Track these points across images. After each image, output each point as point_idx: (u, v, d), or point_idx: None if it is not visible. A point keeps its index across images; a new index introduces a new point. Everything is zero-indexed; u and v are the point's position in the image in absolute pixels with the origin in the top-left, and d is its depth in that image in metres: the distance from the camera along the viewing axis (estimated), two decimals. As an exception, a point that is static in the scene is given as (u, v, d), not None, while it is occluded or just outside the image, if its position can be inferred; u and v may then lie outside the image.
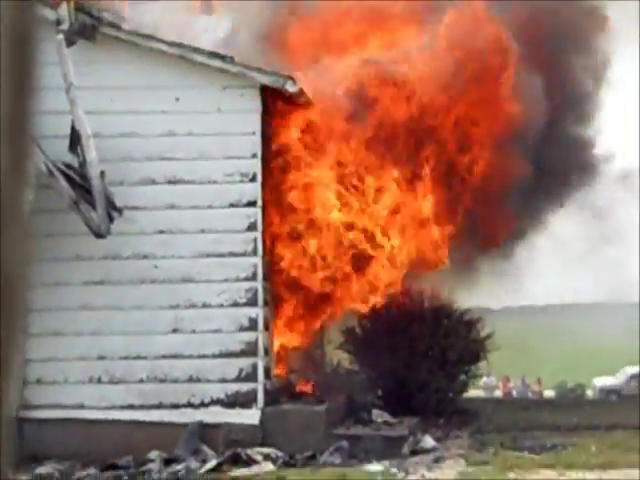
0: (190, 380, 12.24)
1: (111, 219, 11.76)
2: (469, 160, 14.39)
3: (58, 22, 11.55)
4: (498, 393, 33.45)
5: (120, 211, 11.96)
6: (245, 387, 12.18)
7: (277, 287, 13.19)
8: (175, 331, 12.32)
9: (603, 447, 11.96)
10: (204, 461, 11.46)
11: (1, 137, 1.17)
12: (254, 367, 12.21)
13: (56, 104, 11.06)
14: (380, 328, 15.35)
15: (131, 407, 12.21)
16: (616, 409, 17.48)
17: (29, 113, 1.25)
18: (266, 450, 11.64)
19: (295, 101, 12.62)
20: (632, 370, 43.39)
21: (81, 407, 12.24)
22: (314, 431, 11.83)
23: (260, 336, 12.30)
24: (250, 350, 12.23)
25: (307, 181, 12.91)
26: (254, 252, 12.37)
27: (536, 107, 14.48)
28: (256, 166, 12.45)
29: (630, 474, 10.23)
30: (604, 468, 10.57)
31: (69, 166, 11.79)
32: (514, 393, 34.17)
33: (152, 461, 11.51)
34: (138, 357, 12.29)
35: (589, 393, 36.88)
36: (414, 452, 11.89)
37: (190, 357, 12.26)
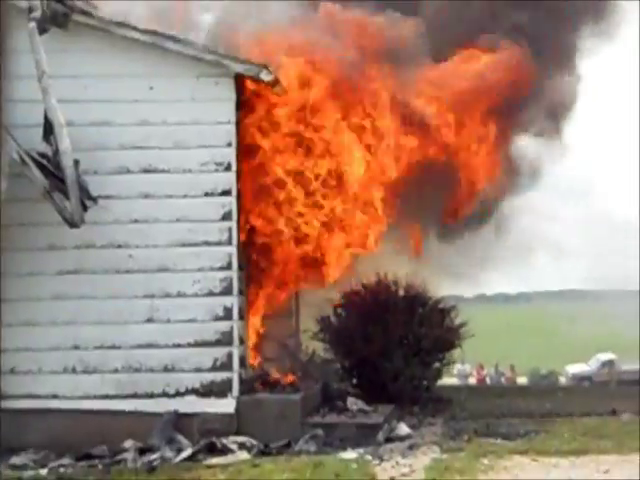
0: (165, 370, 12.24)
1: (85, 208, 11.71)
2: None
3: (30, 10, 11.46)
4: (472, 381, 33.73)
5: (95, 200, 11.92)
6: (220, 376, 12.19)
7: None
8: (150, 320, 12.31)
9: (575, 433, 12.10)
10: (179, 450, 11.48)
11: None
12: (229, 356, 12.23)
13: (28, 92, 11.02)
14: (355, 317, 15.40)
15: (106, 397, 12.20)
16: (588, 396, 17.67)
17: (1, 102, 1.25)
18: (241, 439, 11.67)
19: (270, 90, 12.61)
20: (604, 357, 43.82)
21: (55, 397, 12.21)
22: (289, 420, 11.87)
23: (235, 325, 12.32)
24: (225, 339, 12.24)
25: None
26: (229, 241, 12.37)
27: None
28: (231, 155, 12.43)
29: (602, 460, 10.36)
30: (576, 454, 10.69)
31: (42, 155, 11.71)
32: (488, 380, 34.48)
33: (127, 450, 11.51)
34: (113, 347, 12.27)
35: (562, 380, 37.23)
36: (389, 439, 11.97)
37: (165, 346, 12.26)
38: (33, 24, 11.40)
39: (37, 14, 11.46)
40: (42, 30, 11.49)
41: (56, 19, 11.67)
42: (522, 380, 34.90)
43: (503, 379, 34.67)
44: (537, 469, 10.11)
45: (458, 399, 16.12)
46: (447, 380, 19.28)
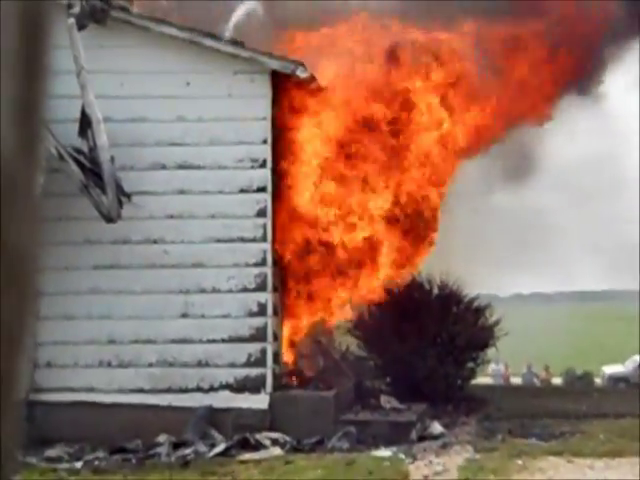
0: (199, 365, 12.28)
1: (120, 204, 11.78)
2: None
3: (69, 6, 11.54)
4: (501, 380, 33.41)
5: (129, 196, 11.98)
6: (254, 372, 12.21)
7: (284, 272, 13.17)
8: (184, 316, 12.35)
9: (611, 435, 11.96)
10: (212, 445, 11.52)
11: (13, 120, 1.18)
12: (263, 352, 12.25)
13: (67, 88, 11.07)
14: (388, 315, 15.36)
15: (140, 391, 12.27)
16: (624, 397, 17.47)
17: (41, 96, 1.25)
18: (274, 435, 11.68)
19: (306, 87, 12.59)
20: (641, 358, 43.19)
21: (91, 390, 12.30)
22: (322, 416, 11.86)
23: (269, 321, 12.33)
24: (259, 335, 12.26)
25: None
26: (264, 238, 12.38)
27: None
28: (266, 152, 12.44)
29: (638, 462, 10.23)
30: (612, 456, 10.58)
31: (79, 150, 11.80)
32: (513, 380, 34.10)
33: (161, 445, 11.57)
34: (148, 341, 12.34)
35: (597, 381, 36.86)
36: (422, 438, 11.92)
37: (199, 342, 12.30)
38: (72, 20, 11.48)
39: (76, 10, 11.54)
40: (81, 26, 11.57)
41: (95, 15, 11.75)
42: (557, 381, 34.59)
43: (536, 379, 34.40)
44: (572, 470, 10.02)
45: (492, 398, 16.01)
46: (481, 379, 19.15)
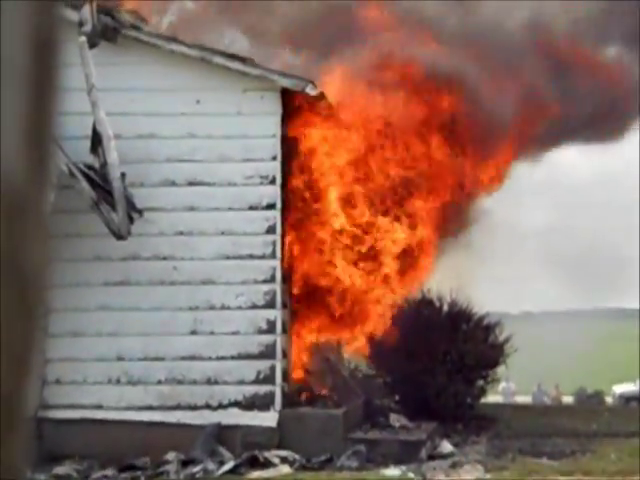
0: (208, 382, 12.26)
1: (131, 220, 11.80)
2: None
3: (80, 24, 11.61)
4: (499, 398, 33.17)
5: (140, 212, 12.00)
6: (263, 389, 12.18)
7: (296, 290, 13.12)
8: (194, 333, 12.34)
9: (622, 454, 11.88)
10: (221, 463, 11.48)
11: (24, 138, 1.18)
12: (272, 369, 12.22)
13: (77, 105, 11.12)
14: (398, 332, 15.31)
15: (149, 408, 12.25)
16: (635, 416, 17.35)
17: (52, 114, 1.25)
18: (283, 453, 11.64)
19: (316, 104, 12.61)
20: (652, 377, 42.93)
21: (99, 407, 12.28)
22: (331, 434, 11.82)
23: (278, 339, 12.30)
24: (268, 352, 12.24)
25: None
26: (273, 255, 12.38)
27: None
28: (276, 169, 12.46)
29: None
30: (623, 475, 10.50)
31: (90, 167, 11.84)
32: (524, 399, 33.87)
33: (169, 462, 11.53)
34: (156, 358, 12.33)
35: (608, 400, 36.65)
36: (432, 457, 11.86)
37: (208, 359, 12.28)
38: (83, 38, 11.55)
39: (88, 28, 11.60)
40: (92, 44, 11.63)
41: (106, 33, 11.81)
42: (568, 399, 34.38)
43: (546, 398, 34.20)
44: (583, 490, 9.93)
45: (503, 417, 15.93)
46: (491, 398, 19.06)
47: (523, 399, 33.84)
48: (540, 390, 35.67)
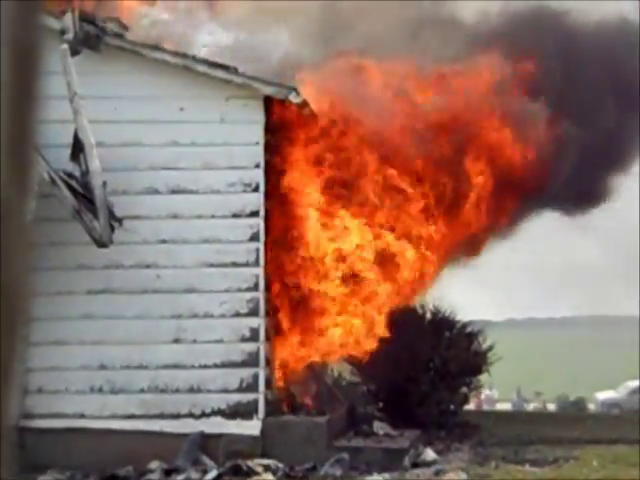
0: (191, 390, 12.22)
1: (112, 229, 11.76)
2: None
3: (62, 32, 11.58)
4: (472, 406, 33.23)
5: (120, 221, 11.96)
6: (246, 398, 12.16)
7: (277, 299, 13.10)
8: (177, 341, 12.31)
9: (605, 461, 11.92)
10: (204, 472, 11.44)
11: (5, 146, 1.17)
12: (255, 378, 12.20)
13: (60, 113, 11.08)
14: (382, 339, 15.31)
15: (132, 417, 12.19)
16: (618, 423, 17.42)
17: (32, 122, 1.25)
18: (266, 461, 11.61)
19: (299, 112, 12.63)
20: (633, 384, 43.25)
21: (82, 416, 12.22)
22: (315, 443, 11.80)
23: (261, 346, 12.29)
24: (251, 360, 12.22)
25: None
26: (256, 262, 12.37)
27: None
28: (259, 176, 12.46)
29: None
30: (606, 482, 10.53)
31: (72, 175, 11.80)
32: (504, 406, 33.96)
33: (153, 471, 11.49)
34: (140, 367, 12.28)
35: (591, 407, 36.76)
36: (415, 465, 11.86)
37: (192, 367, 12.25)
38: (65, 46, 11.52)
39: (70, 36, 11.58)
40: (74, 52, 11.60)
41: (88, 41, 11.79)
42: (550, 407, 34.49)
43: (526, 404, 34.22)
44: (565, 497, 9.95)
45: (486, 425, 15.96)
46: (474, 405, 19.09)
47: (503, 406, 33.89)
48: (520, 397, 35.74)
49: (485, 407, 30.09)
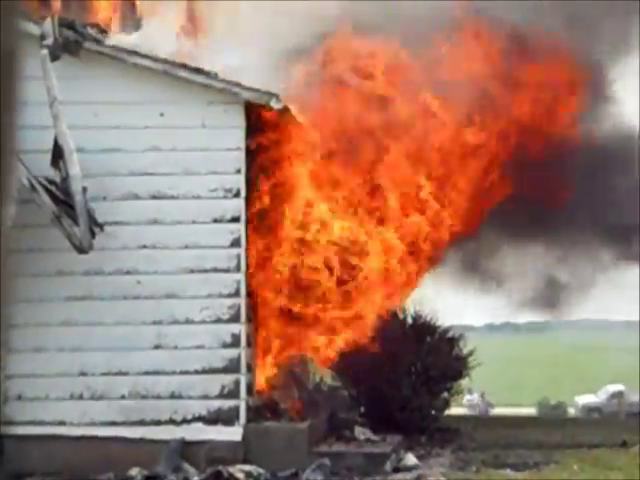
0: (172, 396, 12.19)
1: (93, 234, 11.72)
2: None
3: (42, 37, 11.54)
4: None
5: (101, 226, 11.93)
6: (227, 404, 12.13)
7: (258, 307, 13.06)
8: (157, 347, 12.27)
9: (585, 465, 11.98)
10: (185, 478, 11.41)
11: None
12: (236, 384, 12.18)
13: (39, 119, 11.04)
14: (363, 344, 15.31)
15: (112, 423, 12.14)
16: (598, 427, 17.51)
17: (11, 127, 1.25)
18: (248, 467, 11.59)
19: (281, 117, 12.63)
20: (613, 388, 43.51)
21: (62, 423, 12.16)
22: (296, 448, 11.79)
23: (242, 352, 12.27)
24: (232, 367, 12.20)
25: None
26: (237, 268, 12.36)
27: None
28: (240, 182, 12.45)
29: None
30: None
31: (50, 181, 11.75)
32: (474, 411, 34.06)
33: (133, 478, 11.44)
34: (120, 373, 12.23)
35: (571, 411, 36.94)
36: (396, 470, 11.88)
37: (172, 373, 12.21)
38: (45, 51, 11.48)
39: (49, 41, 11.54)
40: (54, 57, 11.56)
41: (68, 46, 11.75)
42: (531, 411, 34.60)
43: (485, 407, 34.23)
44: (546, 501, 9.99)
45: (466, 429, 16.00)
46: (455, 410, 19.13)
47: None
48: (484, 401, 35.77)
49: (467, 412, 30.15)
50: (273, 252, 12.73)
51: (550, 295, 17.11)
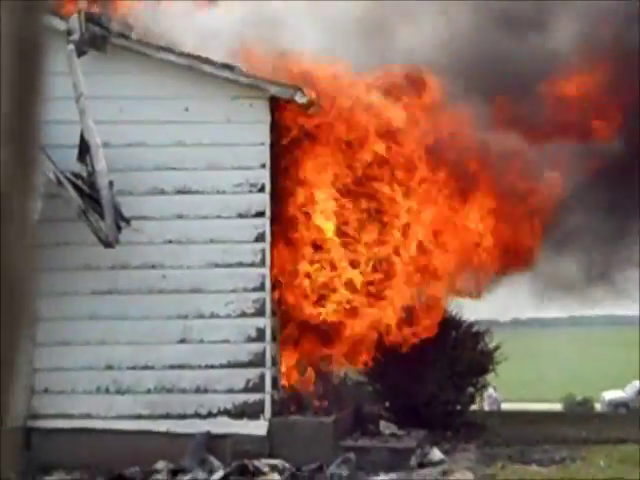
0: (197, 390, 12.22)
1: (119, 229, 11.77)
2: None
3: (69, 32, 11.59)
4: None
5: (128, 221, 11.98)
6: (252, 398, 12.16)
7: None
8: (183, 341, 12.31)
9: (612, 461, 11.89)
10: (211, 472, 11.44)
11: (9, 147, 1.17)
12: (262, 378, 12.20)
13: (66, 114, 11.09)
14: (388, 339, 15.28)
15: (138, 417, 12.20)
16: (625, 423, 17.38)
17: (37, 122, 1.24)
18: (273, 461, 11.61)
19: (305, 111, 12.61)
20: (641, 383, 43.03)
21: (88, 417, 12.23)
22: (321, 442, 11.80)
23: (268, 347, 12.29)
24: (258, 360, 12.22)
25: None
26: (262, 263, 12.37)
27: None
28: (265, 176, 12.46)
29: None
30: (613, 482, 10.50)
31: (78, 175, 11.81)
32: (485, 406, 33.69)
33: (159, 472, 11.49)
34: (146, 367, 12.29)
35: (597, 406, 36.71)
36: (422, 465, 11.85)
37: (198, 367, 12.25)
38: (71, 46, 11.53)
39: (76, 37, 11.58)
40: (80, 52, 11.61)
41: (94, 42, 11.80)
42: (557, 406, 34.39)
43: (495, 404, 33.97)
44: (572, 497, 9.93)
45: (492, 424, 15.93)
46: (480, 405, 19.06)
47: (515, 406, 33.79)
48: (491, 396, 35.41)
49: (490, 407, 30.05)
50: (299, 251, 12.74)
51: (578, 290, 16.98)
